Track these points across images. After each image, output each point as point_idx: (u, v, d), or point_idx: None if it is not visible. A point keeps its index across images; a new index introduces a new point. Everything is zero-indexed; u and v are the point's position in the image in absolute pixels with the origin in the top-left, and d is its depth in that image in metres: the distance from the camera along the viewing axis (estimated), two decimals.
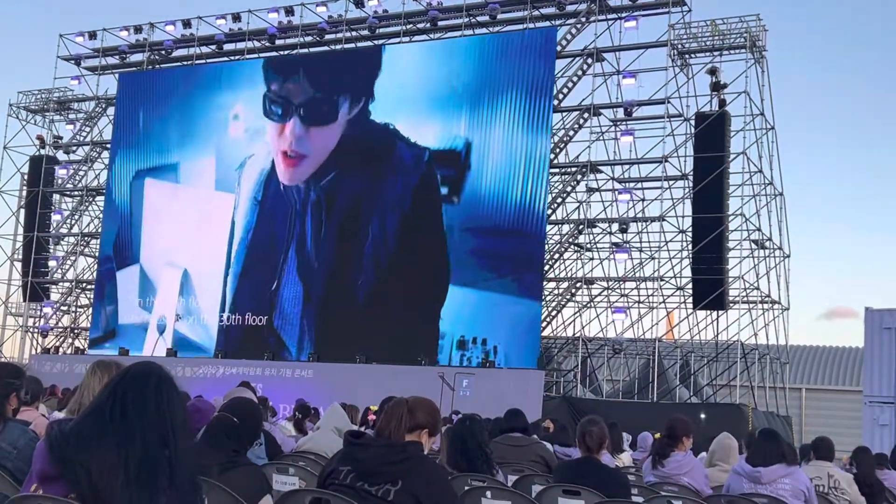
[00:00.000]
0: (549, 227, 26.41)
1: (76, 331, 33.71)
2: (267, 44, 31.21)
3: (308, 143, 28.18)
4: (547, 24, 27.31)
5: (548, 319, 26.77)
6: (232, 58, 31.67)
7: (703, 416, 20.61)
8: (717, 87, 25.11)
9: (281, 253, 27.97)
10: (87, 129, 34.63)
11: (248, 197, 29.10)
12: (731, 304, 25.27)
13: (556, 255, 27.59)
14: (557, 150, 26.76)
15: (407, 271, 25.81)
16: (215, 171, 29.91)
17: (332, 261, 27.22)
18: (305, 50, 30.63)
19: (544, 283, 25.71)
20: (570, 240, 27.46)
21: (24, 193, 34.58)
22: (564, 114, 27.21)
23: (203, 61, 32.13)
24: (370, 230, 26.71)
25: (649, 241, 27.68)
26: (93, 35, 33.09)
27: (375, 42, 29.75)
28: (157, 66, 33.22)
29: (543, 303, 25.68)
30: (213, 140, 30.05)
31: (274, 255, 28.10)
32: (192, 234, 29.44)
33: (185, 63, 32.59)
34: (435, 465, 4.41)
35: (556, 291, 27.78)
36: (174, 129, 30.76)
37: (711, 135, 24.43)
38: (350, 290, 26.58)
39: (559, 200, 27.30)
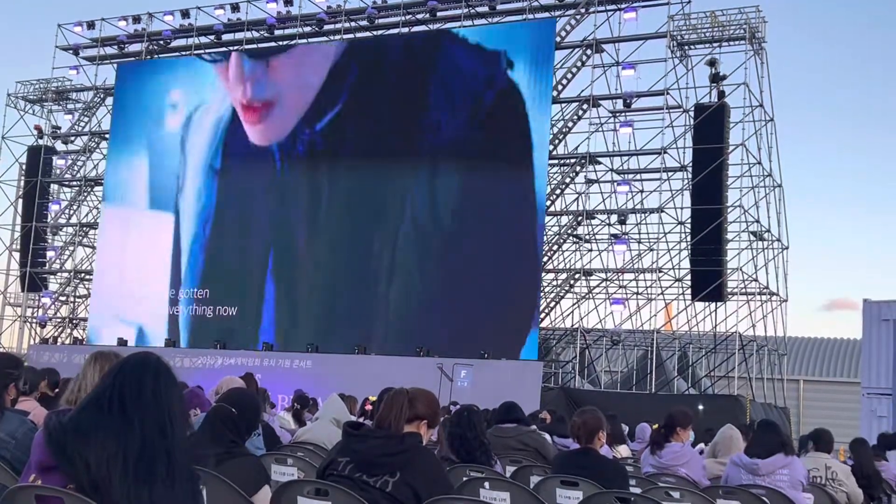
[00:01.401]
0: (547, 218, 26.43)
1: (75, 321, 33.71)
2: (265, 34, 31.14)
3: (272, 83, 27.59)
4: (546, 14, 27.26)
5: (546, 311, 26.78)
6: (230, 48, 31.61)
7: (700, 407, 20.65)
8: (716, 78, 25.09)
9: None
10: (86, 119, 34.55)
11: (198, 167, 28.55)
12: (730, 296, 25.27)
13: (555, 247, 27.60)
14: (556, 141, 26.74)
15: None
16: (148, 183, 29.74)
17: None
18: (305, 41, 30.54)
19: (543, 274, 25.73)
20: (569, 231, 27.46)
21: (23, 183, 34.53)
22: (563, 105, 27.18)
23: (201, 51, 32.07)
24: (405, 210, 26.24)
25: (648, 233, 27.72)
26: (91, 25, 32.98)
27: (374, 33, 29.70)
28: (156, 56, 33.15)
29: (542, 294, 25.71)
30: (143, 140, 29.98)
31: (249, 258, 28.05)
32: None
33: (183, 53, 32.51)
34: (433, 457, 4.42)
35: (554, 283, 27.79)
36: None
37: (710, 126, 24.40)
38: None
39: (558, 192, 27.29)
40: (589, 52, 26.46)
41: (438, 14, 28.55)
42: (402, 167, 26.64)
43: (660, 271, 26.25)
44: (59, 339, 32.57)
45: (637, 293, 27.83)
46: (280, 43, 30.97)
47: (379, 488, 4.02)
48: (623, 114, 26.49)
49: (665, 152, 25.23)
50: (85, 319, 32.68)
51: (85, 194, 34.50)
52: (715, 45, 25.53)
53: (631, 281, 27.72)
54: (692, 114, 25.05)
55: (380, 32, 29.66)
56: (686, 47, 25.79)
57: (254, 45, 31.02)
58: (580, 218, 27.09)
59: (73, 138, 34.94)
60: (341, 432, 4.47)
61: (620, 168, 27.10)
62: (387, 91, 26.96)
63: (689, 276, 24.94)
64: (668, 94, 25.21)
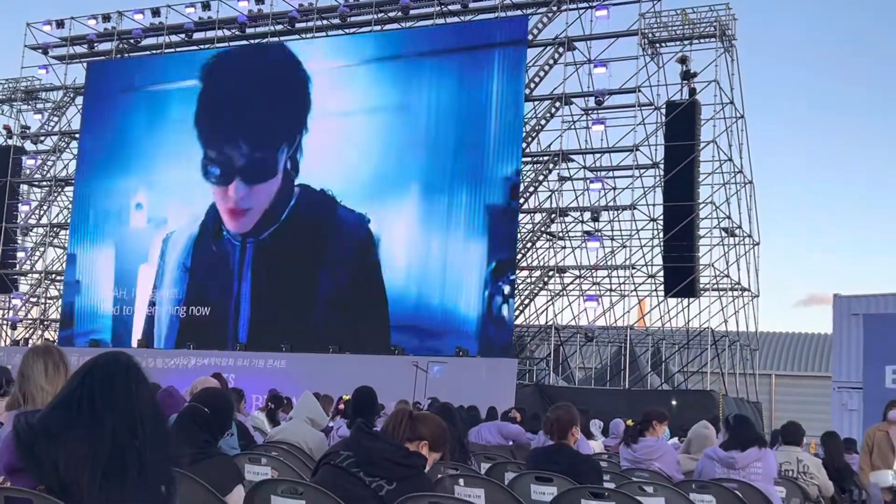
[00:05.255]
0: (521, 215, 26.48)
1: (46, 322, 33.40)
2: (237, 32, 30.98)
3: (252, 198, 27.58)
4: (518, 12, 27.32)
5: (520, 308, 26.84)
6: (201, 46, 31.40)
7: (674, 402, 20.80)
8: (687, 75, 25.24)
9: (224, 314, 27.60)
10: (56, 118, 34.25)
11: (174, 267, 28.50)
12: (702, 292, 25.45)
13: (529, 244, 27.67)
14: (529, 138, 26.80)
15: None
16: (114, 266, 29.46)
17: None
18: (276, 39, 30.38)
19: (517, 271, 25.79)
20: (543, 228, 27.54)
21: None
22: (536, 102, 27.26)
23: (172, 50, 31.86)
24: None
25: (621, 230, 27.84)
26: (60, 23, 32.65)
27: (347, 31, 29.61)
28: (126, 54, 32.89)
29: (516, 291, 25.76)
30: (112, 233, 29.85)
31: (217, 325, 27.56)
32: None
33: (153, 52, 32.27)
34: (431, 486, 4.35)
35: (528, 280, 27.87)
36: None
37: (682, 123, 24.55)
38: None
39: (531, 189, 27.36)
40: (561, 49, 26.55)
41: (411, 12, 28.52)
42: None
43: (633, 268, 26.39)
44: (31, 341, 32.24)
45: (610, 290, 27.96)
46: (251, 41, 30.83)
47: (372, 489, 3.98)
48: (595, 111, 26.62)
49: (637, 149, 25.37)
50: (56, 320, 32.39)
51: (55, 194, 34.19)
52: (686, 42, 25.72)
53: (604, 278, 27.86)
54: (664, 111, 25.20)
55: (353, 31, 29.60)
56: (657, 45, 25.95)
57: (225, 44, 30.87)
58: (553, 215, 27.18)
59: (42, 138, 34.61)
60: (352, 429, 4.42)
61: (593, 165, 27.21)
62: None
63: (661, 273, 25.09)
64: (639, 91, 25.38)
